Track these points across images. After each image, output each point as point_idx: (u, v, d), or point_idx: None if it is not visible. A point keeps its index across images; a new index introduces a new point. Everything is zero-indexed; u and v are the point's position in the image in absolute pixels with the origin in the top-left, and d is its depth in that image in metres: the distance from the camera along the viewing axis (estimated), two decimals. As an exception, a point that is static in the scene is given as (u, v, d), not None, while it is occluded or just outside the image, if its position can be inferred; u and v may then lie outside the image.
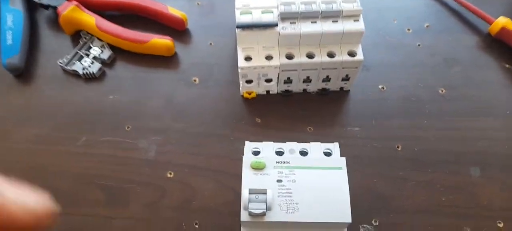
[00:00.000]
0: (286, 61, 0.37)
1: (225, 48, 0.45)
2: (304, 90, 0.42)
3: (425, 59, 0.44)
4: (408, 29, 0.47)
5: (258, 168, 0.29)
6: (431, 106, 0.41)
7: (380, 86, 0.42)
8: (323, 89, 0.42)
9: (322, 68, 0.38)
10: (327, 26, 0.36)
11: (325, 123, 0.40)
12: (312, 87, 0.42)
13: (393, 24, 0.47)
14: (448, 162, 0.37)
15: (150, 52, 0.44)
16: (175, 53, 0.45)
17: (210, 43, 0.46)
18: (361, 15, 0.37)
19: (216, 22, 0.47)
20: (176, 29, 0.46)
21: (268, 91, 0.42)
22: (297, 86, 0.41)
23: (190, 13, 0.47)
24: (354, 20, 0.37)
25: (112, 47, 0.45)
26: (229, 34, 0.46)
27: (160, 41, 0.43)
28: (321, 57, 0.37)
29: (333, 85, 0.41)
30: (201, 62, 0.44)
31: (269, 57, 0.38)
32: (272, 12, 0.37)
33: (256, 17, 0.37)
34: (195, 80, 0.43)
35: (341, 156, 0.33)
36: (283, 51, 0.38)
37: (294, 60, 0.37)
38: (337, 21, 0.37)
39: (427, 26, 0.47)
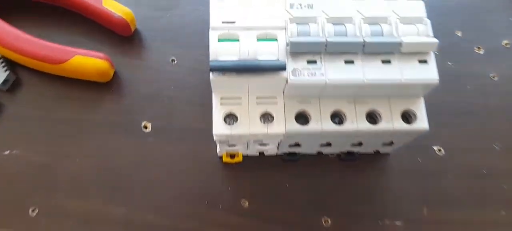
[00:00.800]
0: (297, 127, 0.22)
1: (195, 69, 0.29)
2: (319, 152, 0.27)
3: (503, 102, 0.29)
4: (478, 48, 0.31)
5: None
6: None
7: (435, 148, 0.27)
8: (349, 153, 0.27)
9: (356, 135, 0.23)
10: (374, 71, 0.20)
11: (349, 210, 0.25)
12: (332, 150, 0.26)
13: (457, 39, 0.31)
14: None
15: (73, 75, 0.27)
16: (115, 77, 0.28)
17: (172, 60, 0.29)
18: (432, 52, 0.21)
19: (183, 22, 0.30)
20: (118, 34, 0.29)
21: (262, 152, 0.27)
22: (308, 149, 0.26)
23: (141, 6, 0.30)
24: (420, 61, 0.21)
25: (12, 65, 0.28)
26: (202, 44, 0.29)
27: (87, 60, 0.26)
28: (356, 122, 0.22)
29: (365, 149, 0.26)
30: (156, 95, 0.28)
31: (267, 117, 0.22)
32: (276, 39, 0.21)
33: (247, 48, 0.20)
34: (145, 127, 0.27)
35: None
36: (293, 108, 0.22)
37: (310, 127, 0.22)
38: (390, 62, 0.21)
39: (505, 45, 0.31)
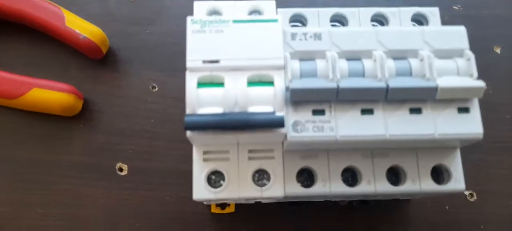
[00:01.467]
0: (299, 190, 0.17)
1: (181, 98, 0.24)
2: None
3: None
4: (519, 67, 0.26)
5: None
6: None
7: (466, 193, 0.23)
8: (363, 202, 0.23)
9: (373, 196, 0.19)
10: (399, 124, 0.16)
11: (363, 271, 0.21)
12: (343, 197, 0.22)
13: (494, 57, 0.26)
14: None
15: (32, 110, 0.23)
16: (84, 108, 0.24)
17: (153, 87, 0.24)
18: (477, 99, 0.16)
19: (166, 39, 0.25)
20: (87, 56, 0.24)
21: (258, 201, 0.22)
22: (314, 199, 0.22)
23: (115, 20, 0.25)
24: (460, 109, 0.16)
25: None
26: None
27: (48, 94, 0.22)
28: (374, 183, 0.17)
29: (382, 197, 0.22)
30: (133, 130, 0.23)
31: (261, 175, 0.18)
32: (272, 82, 0.16)
33: (235, 95, 0.16)
34: (121, 170, 0.23)
35: None
36: (294, 165, 0.17)
37: (316, 188, 0.17)
38: (420, 111, 0.16)
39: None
